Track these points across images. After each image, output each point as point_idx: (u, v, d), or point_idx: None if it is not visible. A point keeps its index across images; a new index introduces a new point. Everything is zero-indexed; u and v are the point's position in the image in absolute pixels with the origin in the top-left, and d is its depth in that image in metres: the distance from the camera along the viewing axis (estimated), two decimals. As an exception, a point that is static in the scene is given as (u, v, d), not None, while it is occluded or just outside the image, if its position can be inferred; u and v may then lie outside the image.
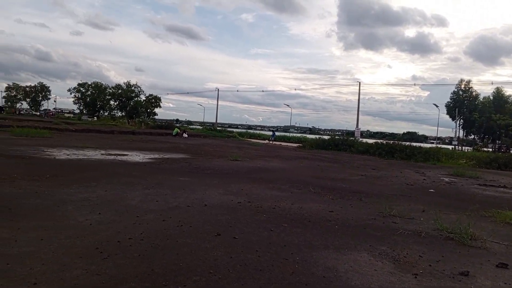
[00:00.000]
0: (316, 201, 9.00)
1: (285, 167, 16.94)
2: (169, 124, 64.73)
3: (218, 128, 67.53)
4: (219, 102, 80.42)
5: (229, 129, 77.97)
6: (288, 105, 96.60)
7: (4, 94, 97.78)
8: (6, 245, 4.52)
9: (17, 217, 5.77)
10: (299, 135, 68.81)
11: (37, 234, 5.02)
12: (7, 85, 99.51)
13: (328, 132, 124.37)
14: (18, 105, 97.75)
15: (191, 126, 68.43)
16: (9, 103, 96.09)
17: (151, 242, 5.05)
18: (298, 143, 45.08)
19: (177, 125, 67.18)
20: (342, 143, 35.91)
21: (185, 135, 41.98)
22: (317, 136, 46.97)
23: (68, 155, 14.92)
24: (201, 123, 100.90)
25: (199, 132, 52.47)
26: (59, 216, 6.05)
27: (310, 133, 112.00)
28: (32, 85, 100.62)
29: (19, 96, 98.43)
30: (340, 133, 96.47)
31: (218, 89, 75.82)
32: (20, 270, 3.86)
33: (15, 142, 18.58)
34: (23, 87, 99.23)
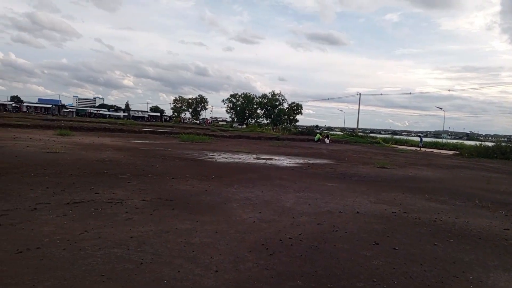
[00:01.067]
0: (485, 216, 7.94)
1: (442, 176, 15.41)
2: (310, 130, 65.83)
3: (359, 133, 65.61)
4: (361, 107, 78.04)
5: (371, 134, 74.95)
6: (440, 108, 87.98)
7: (172, 105, 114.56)
8: (190, 235, 5.29)
9: (194, 211, 6.69)
10: (454, 141, 61.62)
11: (212, 227, 5.73)
12: (174, 98, 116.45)
13: (490, 138, 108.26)
14: (182, 114, 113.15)
15: (331, 132, 68.37)
16: (175, 113, 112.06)
17: (310, 244, 5.23)
18: (454, 150, 40.43)
19: (317, 131, 67.77)
20: (512, 151, 30.75)
21: (327, 140, 42.08)
22: (477, 143, 41.31)
23: (226, 158, 16.58)
24: (341, 129, 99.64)
25: (340, 138, 51.88)
26: (227, 212, 6.78)
27: (467, 139, 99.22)
28: (193, 97, 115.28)
29: (183, 107, 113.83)
30: (506, 139, 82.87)
31: (359, 94, 73.79)
32: (203, 258, 4.47)
33: (183, 147, 21.54)
34: (186, 99, 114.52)
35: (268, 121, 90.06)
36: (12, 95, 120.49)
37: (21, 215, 5.62)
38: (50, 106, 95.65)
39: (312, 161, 18.27)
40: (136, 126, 43.34)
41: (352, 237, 5.71)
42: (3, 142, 16.02)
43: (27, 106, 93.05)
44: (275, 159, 17.87)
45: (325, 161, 18.64)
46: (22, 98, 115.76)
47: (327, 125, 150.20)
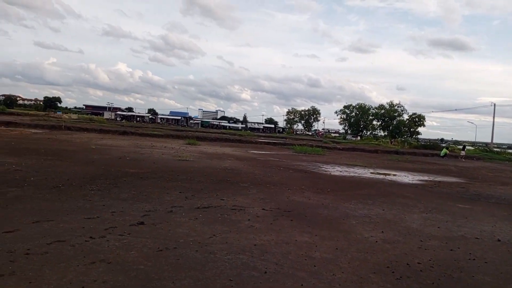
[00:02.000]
0: None
1: None
2: (434, 144, 60.35)
3: (494, 149, 57.74)
4: (496, 119, 68.71)
5: (509, 150, 65.26)
6: None
7: (285, 117, 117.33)
8: (310, 249, 5.26)
9: (312, 224, 6.66)
10: None
11: (332, 243, 5.61)
12: (287, 110, 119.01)
13: None
14: (294, 126, 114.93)
15: (459, 146, 61.29)
16: (288, 125, 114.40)
17: (442, 271, 4.74)
18: None
19: (443, 145, 61.72)
20: None
21: (463, 153, 38.41)
22: None
23: (340, 171, 16.22)
24: (472, 143, 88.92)
25: (471, 153, 46.32)
26: (346, 229, 6.58)
27: None
28: (306, 108, 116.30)
29: (295, 119, 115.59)
30: None
31: (494, 104, 65.14)
32: (326, 274, 4.39)
33: (297, 158, 21.78)
34: (299, 111, 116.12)
35: (385, 133, 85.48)
36: (149, 108, 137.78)
37: (160, 216, 6.32)
38: (179, 118, 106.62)
39: (438, 178, 16.68)
40: (252, 137, 45.46)
41: (494, 269, 5.00)
42: (144, 150, 18.35)
43: (161, 118, 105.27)
44: (395, 175, 16.81)
45: (454, 179, 16.84)
46: (157, 111, 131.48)
47: (453, 139, 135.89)
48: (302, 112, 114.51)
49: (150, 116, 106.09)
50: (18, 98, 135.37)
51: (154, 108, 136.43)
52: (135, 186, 8.83)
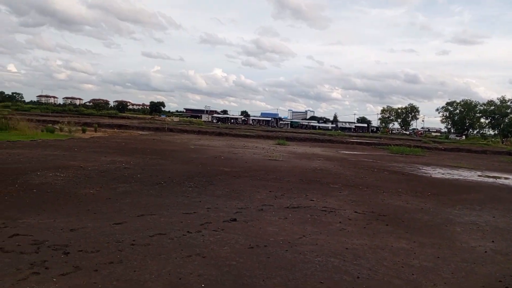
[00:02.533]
0: None
1: None
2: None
3: None
4: None
5: None
6: None
7: (379, 116, 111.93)
8: (408, 256, 4.90)
9: (410, 230, 6.20)
10: None
11: (433, 251, 5.15)
12: (382, 108, 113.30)
13: None
14: (390, 125, 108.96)
15: None
16: (383, 124, 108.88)
17: None
18: None
19: None
20: None
21: None
22: None
23: (443, 174, 14.89)
24: None
25: None
26: (449, 236, 5.99)
27: None
28: (402, 106, 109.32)
29: (391, 117, 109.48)
30: None
31: None
32: (426, 284, 4.04)
33: (392, 159, 20.58)
34: (395, 109, 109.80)
35: (495, 132, 76.31)
36: (242, 110, 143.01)
37: (251, 214, 6.47)
38: (269, 119, 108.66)
39: None
40: (343, 137, 44.25)
41: None
42: (237, 150, 19.05)
43: (252, 119, 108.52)
44: (508, 178, 14.88)
45: None
46: (249, 113, 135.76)
47: None
48: (399, 110, 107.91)
49: (243, 118, 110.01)
50: (128, 104, 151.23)
51: (247, 110, 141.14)
52: (229, 184, 9.19)
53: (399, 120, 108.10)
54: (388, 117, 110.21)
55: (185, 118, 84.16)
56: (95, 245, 4.47)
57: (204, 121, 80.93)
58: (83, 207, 6.23)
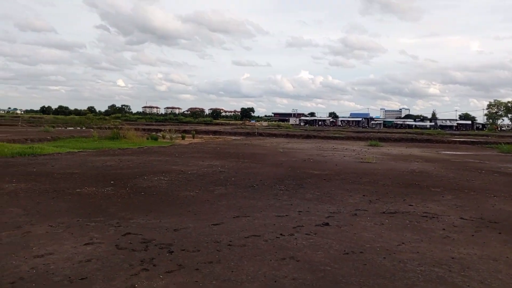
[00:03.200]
0: None
1: None
2: None
3: None
4: None
5: None
6: None
7: (485, 111, 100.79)
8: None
9: (530, 239, 5.44)
10: None
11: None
12: (488, 103, 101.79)
13: None
14: (499, 121, 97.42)
15: None
16: (490, 120, 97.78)
17: None
18: None
19: None
20: None
21: None
22: None
23: None
24: None
25: None
26: None
27: None
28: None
29: (500, 113, 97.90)
30: None
31: None
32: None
33: (503, 159, 18.36)
34: (504, 103, 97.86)
35: None
36: (329, 111, 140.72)
37: (344, 219, 6.30)
38: (360, 119, 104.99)
39: None
40: (444, 136, 40.76)
41: None
42: (326, 153, 18.77)
43: (341, 120, 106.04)
44: None
45: None
46: (337, 114, 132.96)
47: None
48: (509, 104, 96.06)
49: (331, 119, 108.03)
50: (221, 111, 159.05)
51: (335, 111, 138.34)
52: (319, 187, 9.08)
53: (509, 115, 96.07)
54: (496, 112, 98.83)
55: (273, 122, 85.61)
56: (196, 245, 4.77)
57: (292, 124, 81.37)
58: (185, 209, 6.69)
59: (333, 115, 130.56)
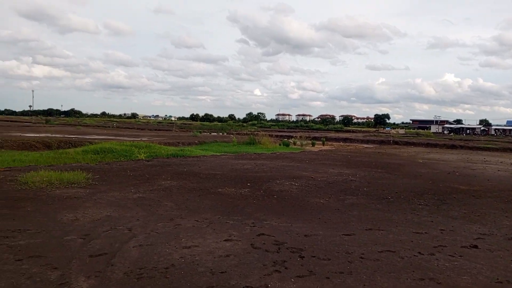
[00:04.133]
0: None
1: None
2: None
3: None
4: None
5: None
6: None
7: None
8: None
9: None
10: None
11: None
12: None
13: None
14: None
15: None
16: None
17: None
18: None
19: None
20: None
21: None
22: None
23: None
24: None
25: None
26: None
27: None
28: None
29: None
30: None
31: None
32: None
33: None
34: None
35: None
36: (480, 118, 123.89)
37: (497, 242, 5.47)
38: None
39: None
40: None
41: None
42: (476, 165, 16.57)
43: (495, 129, 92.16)
44: None
45: None
46: (490, 121, 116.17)
47: None
48: None
49: (482, 128, 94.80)
50: (353, 117, 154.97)
51: (487, 118, 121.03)
52: (466, 204, 8.07)
53: None
54: None
55: (411, 130, 79.48)
56: (326, 253, 4.74)
57: (434, 133, 74.19)
58: (315, 215, 6.73)
59: (484, 122, 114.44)
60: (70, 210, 6.37)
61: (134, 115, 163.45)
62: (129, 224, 5.75)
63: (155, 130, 51.04)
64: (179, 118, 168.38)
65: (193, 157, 16.28)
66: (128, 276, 3.87)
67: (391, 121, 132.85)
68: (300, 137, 35.32)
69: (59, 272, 3.90)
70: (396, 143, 35.53)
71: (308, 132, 60.42)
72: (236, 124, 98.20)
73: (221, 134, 47.62)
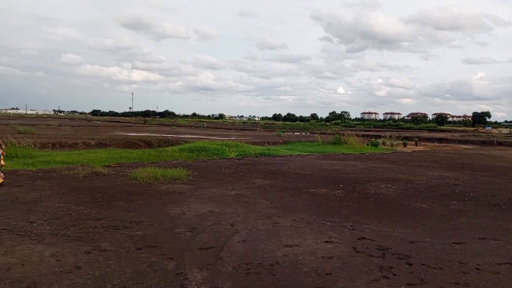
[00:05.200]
0: None
1: None
2: None
3: None
4: None
5: None
6: None
7: None
8: None
9: None
10: None
11: None
12: None
13: None
14: None
15: None
16: None
17: None
18: None
19: None
20: None
21: None
22: None
23: None
24: None
25: None
26: None
27: None
28: None
29: None
30: None
31: None
32: None
33: None
34: None
35: None
36: None
37: None
38: None
39: None
40: None
41: None
42: None
43: None
44: None
45: None
46: None
47: None
48: None
49: None
50: (448, 116, 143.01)
51: None
52: None
53: None
54: None
55: (518, 129, 70.84)
56: (437, 262, 4.44)
57: (547, 132, 65.21)
58: (418, 221, 6.33)
59: None
60: (176, 204, 6.86)
61: (221, 116, 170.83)
62: (230, 219, 6.01)
63: (241, 129, 52.71)
64: (262, 118, 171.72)
65: (280, 156, 16.46)
66: (236, 271, 4.04)
67: (492, 119, 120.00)
68: (390, 136, 33.66)
69: (175, 262, 4.22)
70: (500, 144, 31.97)
71: (397, 131, 57.35)
72: (318, 123, 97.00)
73: (304, 133, 47.44)
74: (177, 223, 5.76)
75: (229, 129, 52.38)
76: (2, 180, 8.20)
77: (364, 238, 5.30)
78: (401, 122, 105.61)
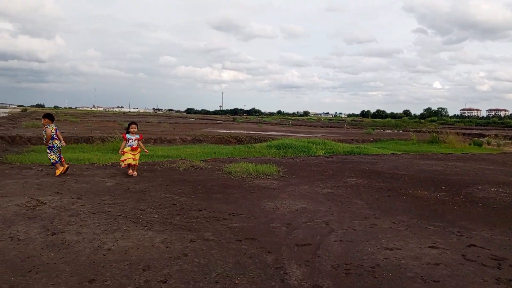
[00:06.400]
0: None
1: None
2: None
3: None
4: None
5: None
6: None
7: None
8: None
9: None
10: None
11: None
12: None
13: None
14: None
15: None
16: None
17: None
18: None
19: None
20: None
21: None
22: None
23: None
24: None
25: None
26: None
27: None
28: None
29: None
30: None
31: None
32: None
33: None
34: None
35: None
36: None
37: None
38: None
39: None
40: None
41: None
42: None
43: None
44: None
45: None
46: None
47: None
48: None
49: None
50: None
51: None
52: None
53: None
54: None
55: None
56: None
57: None
58: (539, 231, 5.59)
59: None
60: (269, 199, 7.00)
61: (306, 113, 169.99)
62: (324, 218, 5.94)
63: (327, 127, 51.79)
64: (349, 115, 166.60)
65: (371, 155, 15.81)
66: (336, 270, 3.98)
67: None
68: (495, 135, 30.29)
69: (273, 256, 4.30)
70: None
71: (504, 130, 51.38)
72: (412, 120, 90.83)
73: (395, 131, 44.87)
74: (272, 217, 5.87)
75: (314, 127, 51.85)
76: (64, 169, 8.75)
77: (474, 245, 4.84)
78: (508, 120, 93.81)
